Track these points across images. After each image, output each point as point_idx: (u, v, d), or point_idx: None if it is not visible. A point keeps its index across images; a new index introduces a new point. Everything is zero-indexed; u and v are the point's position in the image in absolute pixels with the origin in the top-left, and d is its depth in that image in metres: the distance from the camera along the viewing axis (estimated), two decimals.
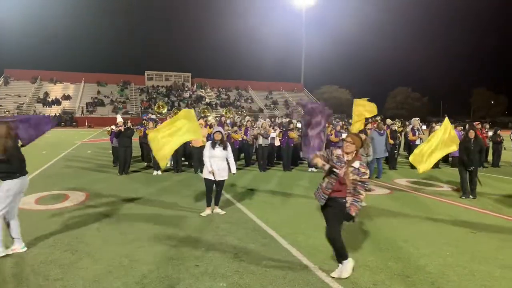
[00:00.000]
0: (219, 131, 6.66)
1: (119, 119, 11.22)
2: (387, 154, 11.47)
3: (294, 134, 12.16)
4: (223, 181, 6.76)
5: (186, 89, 58.39)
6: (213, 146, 6.55)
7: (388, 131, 12.89)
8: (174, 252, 4.82)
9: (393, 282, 4.07)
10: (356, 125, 8.97)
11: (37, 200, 7.52)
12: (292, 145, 12.27)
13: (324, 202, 4.17)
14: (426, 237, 5.63)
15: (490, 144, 14.35)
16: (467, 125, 9.45)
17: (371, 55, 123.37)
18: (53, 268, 4.30)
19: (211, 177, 6.53)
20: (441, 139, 7.77)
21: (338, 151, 4.19)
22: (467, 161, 8.32)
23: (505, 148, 14.08)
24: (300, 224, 6.20)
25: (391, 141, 12.63)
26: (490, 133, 14.37)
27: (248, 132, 12.67)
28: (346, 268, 4.13)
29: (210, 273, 4.22)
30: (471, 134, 8.41)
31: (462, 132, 11.39)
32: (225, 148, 6.63)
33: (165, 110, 14.40)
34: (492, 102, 78.66)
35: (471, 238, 5.63)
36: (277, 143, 12.73)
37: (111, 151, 12.76)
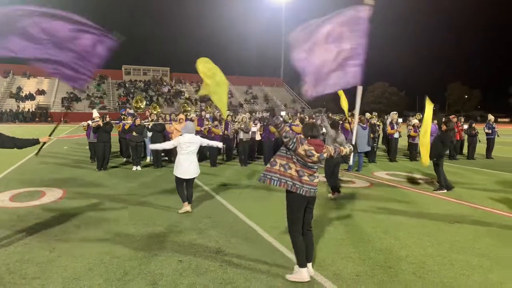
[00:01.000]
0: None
1: (95, 114, 10.98)
2: (369, 148, 11.61)
3: (274, 129, 12.16)
4: (193, 178, 6.51)
5: (165, 83, 57.65)
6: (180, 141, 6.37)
7: (367, 125, 13.07)
8: (156, 248, 4.75)
9: (376, 273, 4.12)
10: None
11: (12, 197, 7.28)
12: (273, 139, 12.28)
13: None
14: (406, 228, 5.73)
15: (466, 137, 14.76)
16: (443, 119, 9.65)
17: None
18: (30, 266, 4.16)
19: (181, 176, 6.31)
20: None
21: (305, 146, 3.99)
22: (442, 152, 8.50)
23: (479, 141, 14.48)
24: (283, 217, 6.16)
25: (371, 135, 12.81)
26: (465, 127, 14.76)
27: (229, 126, 12.60)
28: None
29: (194, 268, 4.17)
30: (444, 127, 8.62)
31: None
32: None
33: (143, 105, 14.15)
34: (466, 96, 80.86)
35: (448, 228, 5.76)
36: (258, 137, 12.72)
37: (88, 147, 12.48)
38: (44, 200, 7.14)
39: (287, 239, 5.07)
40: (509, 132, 30.74)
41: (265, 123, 12.70)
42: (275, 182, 3.97)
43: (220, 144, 7.19)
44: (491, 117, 15.07)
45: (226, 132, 12.35)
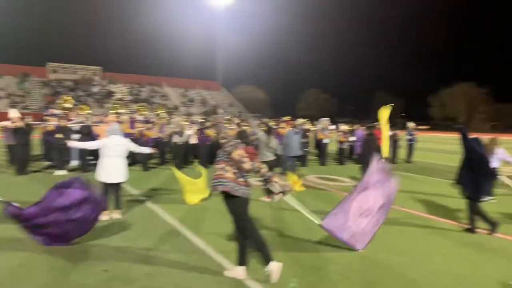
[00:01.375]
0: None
1: (14, 114, 10.10)
2: (301, 153, 11.95)
3: (211, 132, 12.10)
4: (117, 183, 6.17)
5: (95, 83, 54.78)
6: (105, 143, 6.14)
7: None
8: (80, 257, 4.46)
9: (305, 275, 4.24)
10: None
11: None
12: (209, 142, 12.19)
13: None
14: None
15: (391, 142, 15.80)
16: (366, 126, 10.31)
17: (286, 56, 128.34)
18: None
19: (105, 180, 6.01)
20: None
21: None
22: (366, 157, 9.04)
23: (399, 146, 15.58)
24: (216, 223, 6.15)
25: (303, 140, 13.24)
26: (390, 133, 15.79)
27: (164, 129, 12.29)
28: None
29: (119, 277, 3.98)
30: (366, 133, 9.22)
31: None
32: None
33: (70, 105, 13.32)
34: (392, 104, 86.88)
35: None
36: (193, 141, 12.54)
37: (6, 150, 11.41)
38: None
39: (220, 244, 5.06)
40: (428, 139, 33.50)
41: (201, 127, 12.58)
42: (219, 187, 3.97)
43: (148, 150, 6.95)
44: (410, 124, 16.29)
45: (160, 134, 12.05)
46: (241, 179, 3.98)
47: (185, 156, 12.52)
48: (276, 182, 4.05)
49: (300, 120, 14.70)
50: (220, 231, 5.65)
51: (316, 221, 5.03)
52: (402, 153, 15.91)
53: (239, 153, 3.92)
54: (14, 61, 53.59)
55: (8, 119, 9.95)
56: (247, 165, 3.92)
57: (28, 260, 4.34)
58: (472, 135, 6.08)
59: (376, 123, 15.18)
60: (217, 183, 3.97)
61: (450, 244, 5.48)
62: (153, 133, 11.58)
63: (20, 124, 9.62)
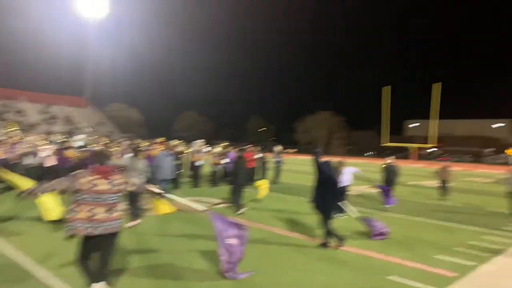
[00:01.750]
0: None
1: None
2: (173, 176, 11.70)
3: (71, 153, 11.02)
4: None
5: None
6: None
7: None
8: None
9: None
10: None
11: None
12: (68, 165, 11.06)
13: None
14: (200, 253, 5.91)
15: (260, 164, 16.65)
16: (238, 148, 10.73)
17: (161, 76, 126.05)
18: None
19: None
20: None
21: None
22: (236, 178, 9.38)
23: (268, 169, 16.59)
24: (67, 253, 5.51)
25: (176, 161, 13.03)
26: (259, 155, 16.65)
27: (14, 149, 10.75)
28: None
29: None
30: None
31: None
32: None
33: None
34: (264, 129, 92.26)
35: None
36: (48, 163, 11.21)
37: None
38: None
39: (73, 277, 4.53)
40: (295, 161, 36.25)
41: (60, 147, 11.37)
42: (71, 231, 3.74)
43: None
44: (277, 148, 17.49)
45: (8, 155, 10.49)
46: (101, 215, 3.70)
47: (39, 180, 11.09)
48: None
49: (174, 142, 14.52)
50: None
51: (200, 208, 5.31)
52: (270, 174, 16.88)
53: (87, 179, 3.65)
54: None
55: None
56: (103, 186, 3.67)
57: None
58: (325, 158, 6.79)
59: (247, 146, 15.96)
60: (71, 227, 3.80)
61: (307, 259, 5.92)
62: (0, 154, 10.03)
63: None
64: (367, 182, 10.96)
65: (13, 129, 12.69)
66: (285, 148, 21.79)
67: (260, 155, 16.69)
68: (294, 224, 8.41)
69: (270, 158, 16.97)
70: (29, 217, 7.71)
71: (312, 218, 8.70)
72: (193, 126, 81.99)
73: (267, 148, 17.69)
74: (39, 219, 7.58)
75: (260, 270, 5.28)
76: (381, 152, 59.20)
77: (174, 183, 13.29)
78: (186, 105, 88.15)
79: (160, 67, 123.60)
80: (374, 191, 12.00)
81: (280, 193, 13.53)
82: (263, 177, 16.08)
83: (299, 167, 29.12)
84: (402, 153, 59.44)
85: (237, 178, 9.35)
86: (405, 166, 31.48)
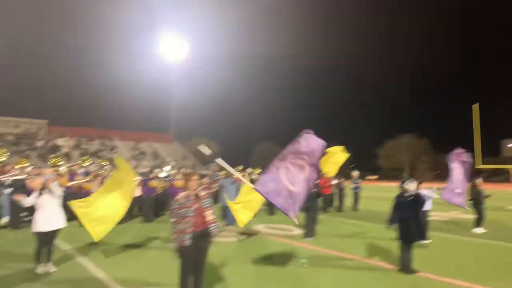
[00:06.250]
0: (49, 179, 6.16)
1: None
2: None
3: (155, 183, 11.81)
4: (55, 231, 6.06)
5: (40, 138, 52.52)
6: (40, 194, 6.00)
7: (249, 179, 13.52)
8: None
9: None
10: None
11: None
12: (153, 194, 11.86)
13: (190, 240, 4.24)
14: (274, 278, 5.86)
15: (337, 191, 16.23)
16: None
17: (238, 110, 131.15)
18: None
19: (42, 229, 5.84)
20: None
21: (181, 195, 4.45)
22: (312, 204, 9.21)
23: (345, 195, 16.09)
24: (153, 278, 5.83)
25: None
26: (335, 181, 16.26)
27: (104, 181, 11.82)
28: None
29: None
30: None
31: None
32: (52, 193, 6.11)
33: (5, 158, 12.62)
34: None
35: (311, 275, 6.06)
36: (138, 193, 12.13)
37: None
38: None
39: None
40: (375, 188, 34.75)
41: (145, 178, 12.25)
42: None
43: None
44: (355, 173, 16.91)
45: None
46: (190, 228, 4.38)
47: (131, 208, 12.01)
48: None
49: (249, 170, 14.84)
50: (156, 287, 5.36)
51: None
52: (348, 201, 16.32)
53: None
54: None
55: None
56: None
57: None
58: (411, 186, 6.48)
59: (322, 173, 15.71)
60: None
61: (385, 286, 5.54)
62: (92, 186, 11.09)
63: None
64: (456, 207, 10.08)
65: (104, 163, 13.97)
66: (365, 174, 21.00)
67: (336, 181, 16.29)
68: (372, 251, 7.97)
69: (348, 184, 16.47)
70: (119, 243, 8.33)
71: (392, 244, 8.25)
72: (270, 156, 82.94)
73: (343, 175, 17.21)
74: (127, 245, 8.19)
75: None
76: (476, 176, 54.19)
77: None
78: (263, 136, 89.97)
79: (238, 102, 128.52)
80: (465, 216, 10.96)
81: (357, 219, 12.98)
82: (340, 204, 15.63)
83: (380, 194, 27.80)
84: (501, 176, 53.66)
85: (312, 204, 9.19)
86: (505, 190, 28.30)
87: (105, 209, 6.96)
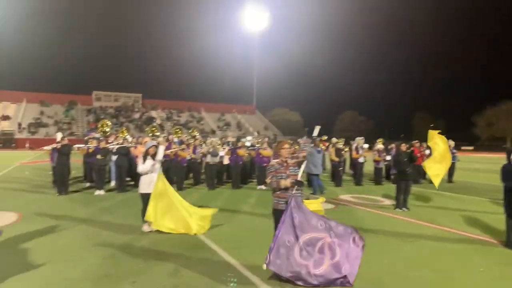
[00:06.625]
0: (154, 145, 6.68)
1: (58, 138, 10.67)
2: (322, 171, 11.82)
3: (242, 152, 12.22)
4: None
5: (136, 110, 57.14)
6: (144, 159, 6.53)
7: (333, 149, 13.33)
8: (111, 269, 4.60)
9: None
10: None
11: None
12: (241, 163, 12.31)
13: (284, 205, 4.34)
14: (366, 247, 5.77)
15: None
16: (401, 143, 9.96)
17: (320, 79, 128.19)
18: None
19: (147, 191, 6.38)
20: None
21: (274, 161, 4.60)
22: (401, 174, 8.79)
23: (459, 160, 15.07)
24: (244, 239, 6.16)
25: (336, 158, 13.05)
26: (428, 152, 15.28)
27: (197, 150, 12.55)
28: None
29: None
30: (403, 147, 8.98)
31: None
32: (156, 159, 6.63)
33: (108, 129, 13.95)
34: (432, 125, 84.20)
35: (407, 247, 5.87)
36: (226, 161, 12.71)
37: (51, 172, 12.05)
38: None
39: (247, 259, 5.04)
40: (471, 159, 32.03)
41: (233, 147, 12.72)
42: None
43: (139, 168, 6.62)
44: (451, 142, 15.68)
45: (193, 155, 12.29)
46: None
47: (218, 176, 12.67)
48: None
49: (333, 139, 14.58)
50: (247, 246, 5.64)
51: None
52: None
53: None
54: (61, 91, 57.10)
55: (56, 142, 10.52)
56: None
57: (67, 271, 4.52)
58: None
59: (414, 142, 14.85)
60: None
61: (489, 262, 5.16)
62: (187, 154, 11.84)
63: (58, 145, 10.16)
64: None
65: (196, 134, 14.74)
66: (459, 145, 19.43)
67: (428, 151, 15.30)
68: (471, 224, 7.44)
69: None
70: (212, 207, 8.88)
71: (494, 218, 7.63)
72: (353, 126, 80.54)
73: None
74: (220, 208, 8.70)
75: (432, 268, 4.87)
76: None
77: (335, 181, 13.36)
78: (344, 106, 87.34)
79: (319, 71, 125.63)
80: None
81: (453, 192, 12.15)
82: None
83: (477, 165, 25.58)
84: None
85: (404, 175, 8.79)
86: None
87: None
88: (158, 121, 53.51)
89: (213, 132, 52.36)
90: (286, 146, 4.62)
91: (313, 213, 4.38)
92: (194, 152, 12.41)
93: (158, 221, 6.29)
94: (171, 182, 11.91)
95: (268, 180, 4.56)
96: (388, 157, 14.27)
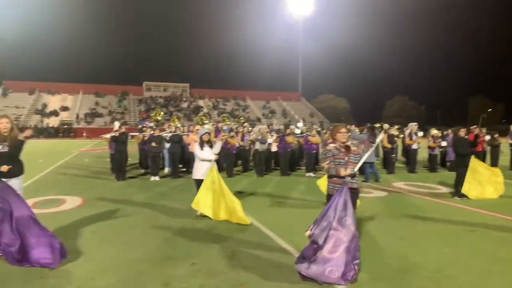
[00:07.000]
0: (207, 133, 6.84)
1: (116, 126, 11.19)
2: (375, 159, 11.55)
3: (291, 139, 12.18)
4: None
5: (184, 99, 58.57)
6: (201, 146, 6.63)
7: (386, 135, 12.93)
8: (170, 251, 4.80)
9: (391, 278, 4.05)
10: None
11: (34, 204, 7.45)
12: (289, 150, 12.29)
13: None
14: (424, 235, 5.62)
15: (488, 148, 14.41)
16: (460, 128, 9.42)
17: (368, 64, 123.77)
18: None
19: (202, 177, 6.54)
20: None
21: (331, 146, 4.50)
22: (461, 160, 8.37)
23: (502, 152, 14.13)
24: (296, 224, 6.17)
25: (389, 145, 12.67)
26: (488, 137, 14.42)
27: (245, 137, 12.68)
28: None
29: (206, 270, 4.19)
30: (462, 132, 8.53)
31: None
32: (211, 147, 6.79)
33: (161, 118, 14.45)
34: (490, 110, 79.06)
35: (468, 236, 5.62)
36: (274, 149, 12.73)
37: (109, 159, 12.69)
38: (64, 207, 7.33)
39: (300, 244, 5.05)
40: None
41: (281, 134, 12.72)
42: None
43: (212, 157, 6.75)
44: None
45: (241, 143, 12.43)
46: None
47: (267, 163, 12.74)
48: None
49: (386, 126, 14.14)
50: (300, 232, 5.62)
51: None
52: (504, 160, 14.40)
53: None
54: (114, 82, 59.68)
55: (113, 131, 11.06)
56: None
57: (128, 252, 4.78)
58: None
59: (473, 127, 14.08)
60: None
61: None
62: (236, 141, 12.00)
63: (116, 133, 10.66)
64: None
65: (243, 121, 14.92)
66: None
67: (488, 137, 14.44)
68: None
69: (504, 141, 14.45)
70: (262, 193, 8.97)
71: None
72: (404, 111, 77.47)
73: (496, 130, 15.13)
74: (270, 195, 8.77)
75: (496, 258, 4.63)
76: None
77: (387, 168, 13.00)
78: (393, 91, 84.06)
79: (366, 55, 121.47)
80: None
81: None
82: (493, 162, 13.87)
83: None
84: None
85: (464, 161, 8.35)
86: None
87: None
88: (205, 110, 54.58)
89: (259, 120, 52.57)
90: (343, 130, 4.50)
91: (354, 214, 4.13)
92: (242, 139, 12.55)
93: (209, 209, 6.37)
94: (221, 169, 12.22)
95: (324, 165, 4.49)
96: (444, 143, 13.65)
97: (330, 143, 4.59)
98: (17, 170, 4.79)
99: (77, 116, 48.97)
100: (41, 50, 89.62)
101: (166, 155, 12.30)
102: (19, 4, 64.40)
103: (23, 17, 66.84)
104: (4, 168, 4.57)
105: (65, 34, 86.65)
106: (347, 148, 4.43)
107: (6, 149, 4.65)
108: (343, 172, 4.32)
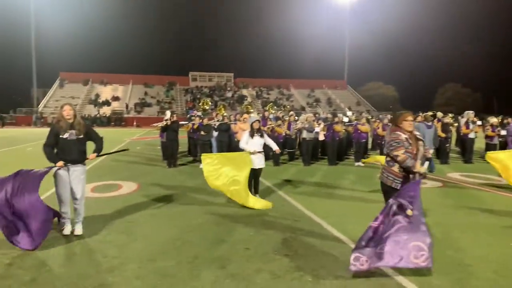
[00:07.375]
0: (258, 120, 6.91)
1: (168, 115, 11.50)
2: (433, 148, 11.02)
3: (339, 128, 11.96)
4: (260, 169, 6.87)
5: (229, 89, 59.17)
6: (252, 135, 6.67)
7: (440, 124, 12.37)
8: (224, 236, 4.90)
9: (453, 271, 3.89)
10: None
11: (92, 188, 7.91)
12: (337, 139, 12.08)
13: (400, 185, 4.13)
14: (485, 228, 5.34)
15: None
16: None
17: (417, 51, 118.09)
18: (110, 247, 4.50)
19: (252, 166, 6.58)
20: None
21: (402, 136, 4.12)
22: None
23: None
24: (348, 214, 6.10)
25: (443, 134, 12.11)
26: None
27: (291, 126, 12.61)
28: None
29: (260, 255, 4.24)
30: None
31: None
32: (262, 136, 6.84)
33: (208, 107, 14.70)
34: None
35: None
36: (321, 137, 12.57)
37: (160, 147, 13.11)
38: (121, 191, 7.69)
39: (353, 233, 4.97)
40: None
41: (329, 123, 12.52)
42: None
43: (275, 147, 7.17)
44: None
45: (288, 131, 12.39)
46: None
47: (314, 152, 12.61)
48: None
49: (439, 114, 13.52)
50: (352, 221, 5.56)
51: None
52: None
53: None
54: (162, 72, 61.43)
55: (165, 119, 11.40)
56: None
57: (184, 235, 4.95)
58: None
59: None
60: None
61: None
62: (282, 130, 11.97)
63: (169, 122, 10.97)
64: None
65: (289, 109, 14.85)
66: None
67: None
68: None
69: None
70: (310, 182, 8.92)
71: None
72: (456, 99, 73.55)
73: None
74: (318, 183, 8.70)
75: None
76: None
77: (441, 158, 12.45)
78: (448, 78, 79.75)
79: (415, 41, 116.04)
80: None
81: None
82: None
83: None
84: None
85: None
86: None
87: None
88: (249, 99, 54.86)
89: (303, 109, 52.05)
90: (410, 118, 4.12)
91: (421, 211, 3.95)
92: (288, 128, 12.50)
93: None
94: (267, 157, 12.26)
95: (400, 153, 4.00)
96: (504, 132, 12.83)
97: (394, 131, 4.19)
98: (83, 157, 5.05)
99: (127, 106, 50.99)
100: (94, 43, 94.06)
101: (214, 143, 12.51)
102: (74, 1, 67.72)
103: (77, 13, 70.26)
104: (92, 156, 5.06)
105: (116, 28, 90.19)
106: (416, 139, 4.14)
107: (74, 137, 4.92)
108: (418, 167, 4.01)
